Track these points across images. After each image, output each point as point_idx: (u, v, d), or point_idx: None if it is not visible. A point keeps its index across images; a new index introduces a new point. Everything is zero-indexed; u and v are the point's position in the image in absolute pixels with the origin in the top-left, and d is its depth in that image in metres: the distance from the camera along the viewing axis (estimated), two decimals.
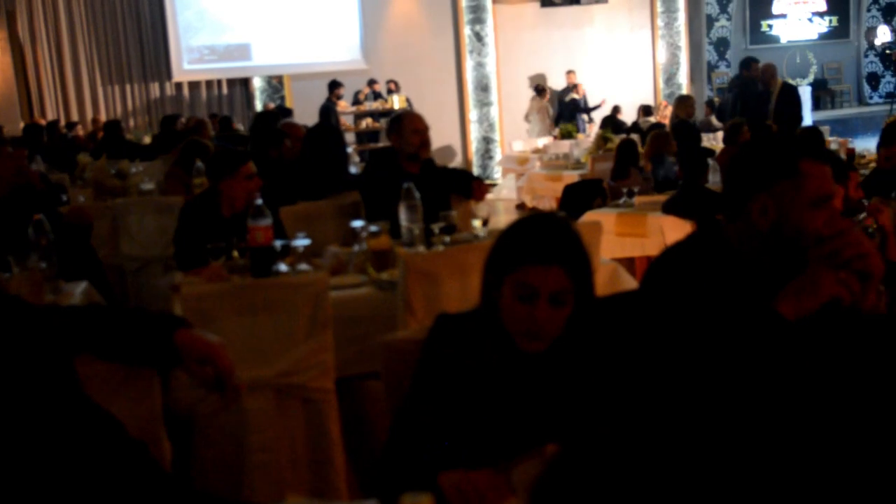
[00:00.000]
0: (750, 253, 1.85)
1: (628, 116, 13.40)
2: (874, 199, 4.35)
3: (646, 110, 13.27)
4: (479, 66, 14.26)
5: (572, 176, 8.91)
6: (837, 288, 1.67)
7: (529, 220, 1.86)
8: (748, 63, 9.74)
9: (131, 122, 13.44)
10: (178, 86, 13.72)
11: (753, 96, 9.34)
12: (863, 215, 4.04)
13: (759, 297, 1.72)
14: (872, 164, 7.33)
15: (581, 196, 7.40)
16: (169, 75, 13.63)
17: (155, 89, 13.71)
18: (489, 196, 6.43)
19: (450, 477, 1.64)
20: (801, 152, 1.83)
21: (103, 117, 12.75)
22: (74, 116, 13.07)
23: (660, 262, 1.90)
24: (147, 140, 10.85)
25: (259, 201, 3.51)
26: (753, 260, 1.85)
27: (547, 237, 1.78)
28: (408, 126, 4.55)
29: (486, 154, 14.43)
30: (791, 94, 9.51)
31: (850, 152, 8.56)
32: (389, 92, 13.33)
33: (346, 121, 13.11)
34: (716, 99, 15.35)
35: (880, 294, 1.76)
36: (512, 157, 12.30)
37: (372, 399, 3.25)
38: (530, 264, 1.76)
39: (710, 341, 1.67)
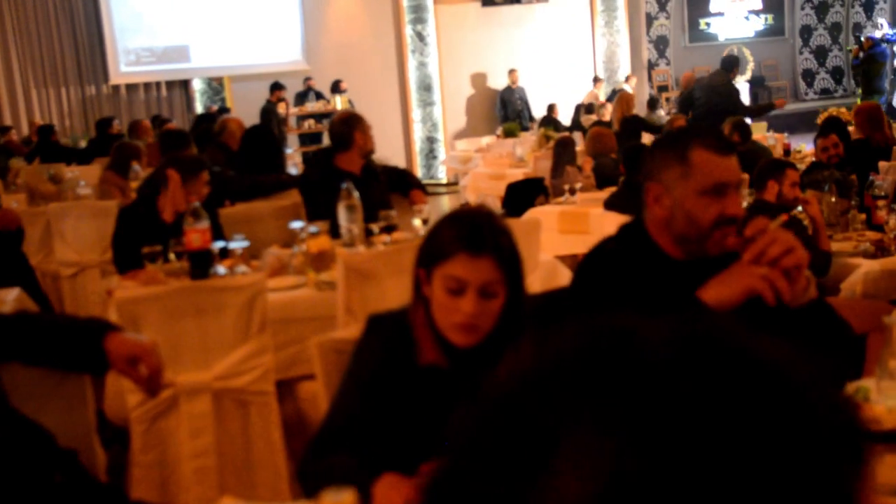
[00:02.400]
0: (665, 243, 1.88)
1: (569, 114, 13.49)
2: (807, 191, 4.44)
3: (587, 108, 13.38)
4: (422, 65, 14.25)
5: (515, 174, 8.95)
6: (758, 283, 1.70)
7: (457, 214, 1.86)
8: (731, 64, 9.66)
9: (68, 126, 13.17)
10: (116, 88, 13.46)
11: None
12: (799, 208, 4.13)
13: (678, 286, 1.75)
14: (808, 159, 7.49)
15: (524, 194, 7.44)
16: (106, 77, 13.36)
17: (91, 92, 13.44)
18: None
19: (384, 492, 1.61)
20: (692, 141, 1.86)
21: (39, 121, 12.46)
22: (7, 120, 12.75)
23: (588, 258, 1.92)
24: (84, 143, 10.67)
25: (196, 204, 3.47)
26: (669, 250, 1.87)
27: (474, 229, 1.77)
28: (366, 124, 4.60)
29: (430, 154, 14.43)
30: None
31: (787, 147, 8.73)
32: (338, 91, 13.21)
33: (289, 122, 13.00)
34: (664, 96, 15.52)
35: (809, 280, 1.80)
36: (455, 157, 12.31)
37: (312, 401, 3.22)
38: (459, 256, 1.75)
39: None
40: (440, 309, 1.78)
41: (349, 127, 4.53)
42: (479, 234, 1.77)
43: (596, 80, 14.49)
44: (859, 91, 14.80)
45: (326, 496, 1.15)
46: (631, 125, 9.11)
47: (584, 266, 1.91)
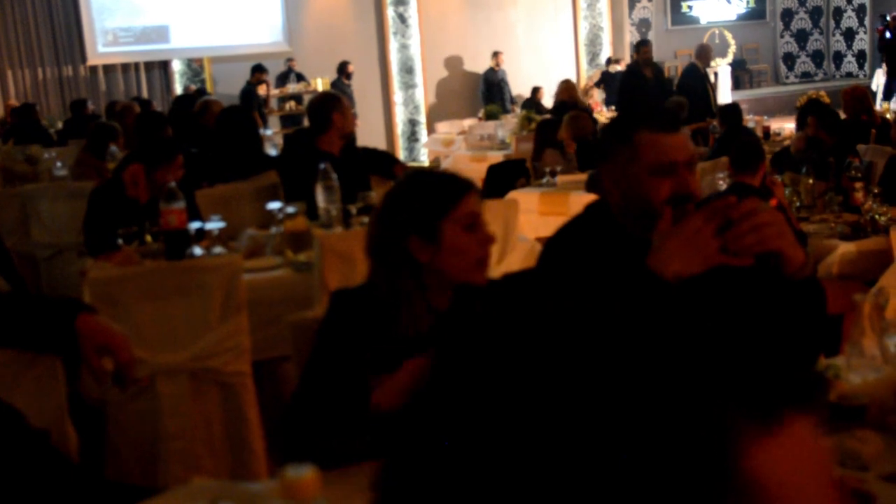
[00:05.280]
0: (628, 225, 1.88)
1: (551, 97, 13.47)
2: (785, 174, 4.47)
3: None
4: (404, 47, 14.17)
5: (497, 156, 8.94)
6: (721, 257, 1.67)
7: (427, 174, 2.03)
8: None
9: (44, 107, 13.01)
10: (94, 69, 13.31)
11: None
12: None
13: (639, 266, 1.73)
14: (787, 142, 7.54)
15: (505, 176, 7.43)
16: (83, 58, 13.20)
17: (68, 73, 13.27)
18: None
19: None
20: (636, 123, 1.86)
21: (14, 102, 12.32)
22: None
23: (553, 238, 1.92)
24: (60, 125, 10.58)
25: (172, 184, 3.45)
26: (633, 230, 1.87)
27: (454, 175, 1.92)
28: (346, 105, 4.59)
29: (412, 136, 14.38)
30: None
31: (766, 130, 8.78)
32: (344, 74, 13.02)
33: (270, 104, 12.92)
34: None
35: (808, 255, 1.77)
36: (437, 139, 12.28)
37: (290, 382, 3.21)
38: (468, 195, 1.86)
39: (598, 311, 1.67)
40: (459, 254, 1.84)
41: (327, 108, 4.51)
42: (460, 177, 1.92)
43: (611, 60, 14.42)
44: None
45: (288, 472, 1.14)
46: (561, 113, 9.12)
47: (550, 246, 1.91)
